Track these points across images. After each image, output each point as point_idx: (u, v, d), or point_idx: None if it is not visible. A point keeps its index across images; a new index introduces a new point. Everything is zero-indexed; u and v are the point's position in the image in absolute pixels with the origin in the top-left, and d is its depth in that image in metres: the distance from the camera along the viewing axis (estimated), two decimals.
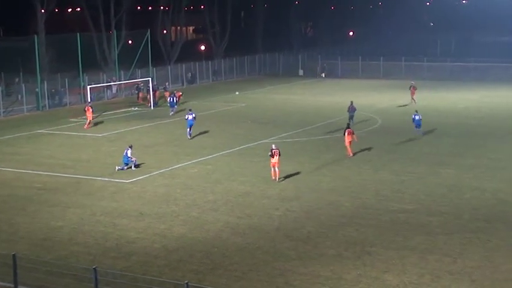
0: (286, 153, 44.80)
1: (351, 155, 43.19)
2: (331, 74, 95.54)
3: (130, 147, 41.73)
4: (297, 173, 39.57)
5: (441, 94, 71.92)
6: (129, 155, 41.27)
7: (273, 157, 37.62)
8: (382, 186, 36.41)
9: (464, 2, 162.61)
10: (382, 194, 34.80)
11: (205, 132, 53.22)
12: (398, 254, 26.24)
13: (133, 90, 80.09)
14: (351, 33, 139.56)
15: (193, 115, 50.68)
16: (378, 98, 72.36)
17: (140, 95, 72.37)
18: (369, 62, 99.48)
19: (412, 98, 66.40)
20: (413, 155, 44.02)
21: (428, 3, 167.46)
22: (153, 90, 72.92)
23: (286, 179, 38.10)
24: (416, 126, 49.70)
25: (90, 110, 56.97)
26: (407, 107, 64.16)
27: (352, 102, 55.79)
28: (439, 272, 24.42)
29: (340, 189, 36.00)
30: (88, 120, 56.73)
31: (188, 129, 50.41)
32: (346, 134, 43.51)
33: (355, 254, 26.43)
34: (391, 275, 24.28)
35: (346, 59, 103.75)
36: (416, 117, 49.60)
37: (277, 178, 37.66)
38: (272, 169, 37.93)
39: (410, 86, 68.15)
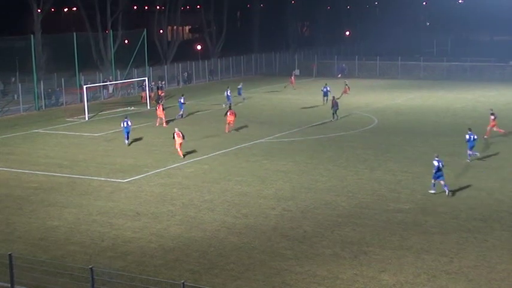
0: (282, 152, 44.87)
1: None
2: (326, 73, 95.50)
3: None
4: (293, 173, 39.59)
5: (437, 94, 72.02)
6: (182, 101, 57.15)
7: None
8: (378, 185, 36.45)
9: (460, 1, 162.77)
10: (378, 194, 34.84)
11: (201, 132, 53.19)
12: (394, 254, 26.27)
13: (129, 90, 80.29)
14: (347, 33, 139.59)
15: (129, 122, 49.25)
16: (374, 97, 72.43)
17: (143, 94, 72.23)
18: (365, 61, 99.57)
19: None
20: (410, 155, 44.06)
21: (424, 3, 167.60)
22: (157, 89, 73.32)
23: (283, 179, 38.13)
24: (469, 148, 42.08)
25: (161, 107, 58.00)
26: (396, 106, 64.18)
27: (334, 98, 58.60)
28: (435, 272, 24.45)
29: (336, 188, 36.03)
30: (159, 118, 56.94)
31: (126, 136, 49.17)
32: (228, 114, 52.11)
33: (351, 253, 26.45)
34: (387, 274, 24.31)
35: (343, 58, 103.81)
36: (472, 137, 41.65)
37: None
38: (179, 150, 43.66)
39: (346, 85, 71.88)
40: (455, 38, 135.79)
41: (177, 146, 43.83)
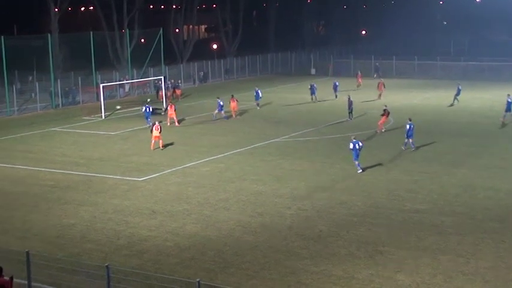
0: (298, 151, 44.80)
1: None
2: (343, 73, 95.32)
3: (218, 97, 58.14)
4: (309, 172, 39.54)
5: (454, 93, 71.40)
6: (221, 103, 57.46)
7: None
8: (394, 185, 36.32)
9: (477, 0, 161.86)
10: (394, 194, 34.71)
11: (217, 130, 53.24)
12: (410, 254, 26.16)
13: (145, 89, 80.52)
14: (364, 32, 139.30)
15: (150, 108, 56.65)
16: (391, 97, 72.13)
17: (160, 93, 72.37)
18: (381, 61, 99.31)
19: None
20: (426, 155, 43.89)
21: (441, 2, 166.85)
22: (173, 88, 73.58)
23: (298, 178, 38.10)
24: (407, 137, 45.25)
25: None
26: (413, 105, 64.00)
27: (349, 97, 58.57)
28: (451, 273, 24.32)
29: (352, 188, 35.94)
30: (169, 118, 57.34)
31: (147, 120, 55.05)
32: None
33: (367, 253, 26.36)
34: (403, 274, 24.20)
35: (359, 58, 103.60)
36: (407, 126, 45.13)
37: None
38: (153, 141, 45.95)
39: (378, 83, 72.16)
40: (473, 37, 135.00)
41: (153, 139, 46.25)
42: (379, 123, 51.86)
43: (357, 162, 39.12)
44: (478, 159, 42.26)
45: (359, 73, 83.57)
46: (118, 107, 64.75)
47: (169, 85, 76.35)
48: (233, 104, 60.30)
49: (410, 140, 45.07)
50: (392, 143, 46.99)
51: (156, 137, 46.21)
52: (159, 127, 46.56)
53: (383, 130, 51.71)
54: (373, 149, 45.39)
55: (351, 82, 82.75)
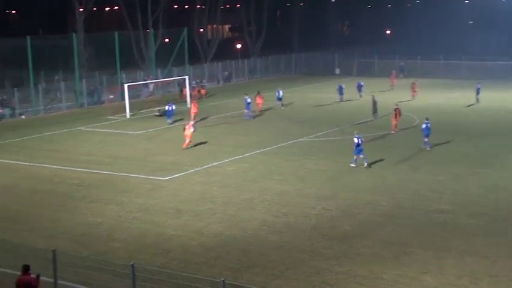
0: (322, 151, 44.75)
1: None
2: (367, 73, 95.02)
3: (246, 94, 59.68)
4: (334, 172, 39.49)
5: (480, 93, 70.96)
6: (248, 101, 58.18)
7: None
8: (419, 186, 36.17)
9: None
10: (419, 194, 34.56)
11: (241, 130, 53.32)
12: (436, 255, 26.04)
13: (170, 89, 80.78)
14: (388, 32, 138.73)
15: (174, 107, 58.49)
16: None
17: (184, 92, 72.65)
18: (406, 60, 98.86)
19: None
20: (452, 155, 43.67)
21: (467, 1, 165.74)
22: (198, 88, 73.94)
23: (323, 178, 38.07)
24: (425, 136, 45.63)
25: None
26: (438, 105, 63.72)
27: (374, 96, 58.38)
28: (477, 274, 24.17)
29: (377, 188, 35.84)
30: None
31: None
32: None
33: (392, 254, 26.28)
34: (429, 275, 24.09)
35: (383, 57, 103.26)
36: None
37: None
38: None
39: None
40: (499, 36, 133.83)
41: (186, 137, 46.77)
42: (392, 123, 51.71)
43: (362, 156, 40.16)
44: (502, 160, 41.99)
45: (393, 73, 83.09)
46: (156, 113, 63.45)
47: (194, 84, 76.62)
48: (259, 100, 62.71)
49: (426, 139, 45.23)
50: (416, 143, 46.74)
51: (187, 135, 46.62)
52: (192, 126, 47.17)
53: (397, 130, 51.42)
54: (398, 149, 45.27)
55: (375, 82, 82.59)
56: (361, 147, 40.04)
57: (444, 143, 47.27)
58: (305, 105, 68.32)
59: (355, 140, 40.13)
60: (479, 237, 28.03)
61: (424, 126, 45.58)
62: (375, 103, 57.63)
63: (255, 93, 64.37)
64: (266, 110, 63.57)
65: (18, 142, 51.17)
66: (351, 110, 63.77)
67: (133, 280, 20.64)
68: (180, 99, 71.67)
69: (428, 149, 44.95)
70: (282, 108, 64.87)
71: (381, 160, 42.24)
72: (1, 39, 75.43)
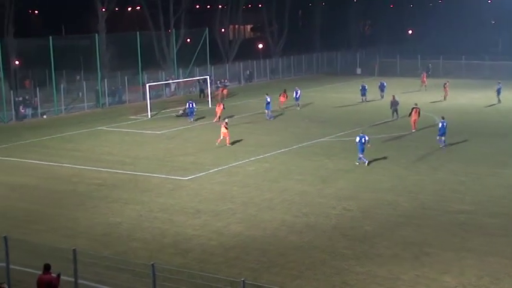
0: (343, 151, 44.66)
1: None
2: (388, 73, 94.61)
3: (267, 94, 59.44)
4: (354, 172, 39.39)
5: (503, 93, 70.54)
6: (268, 99, 58.32)
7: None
8: (440, 186, 35.99)
9: None
10: (440, 195, 34.39)
11: (262, 130, 53.31)
12: (456, 255, 25.90)
13: (191, 89, 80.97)
14: (410, 32, 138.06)
15: (194, 104, 59.27)
16: (438, 96, 71.47)
17: (206, 91, 72.90)
18: (428, 60, 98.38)
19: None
20: (473, 155, 43.42)
21: (489, 1, 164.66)
22: (221, 88, 74.12)
23: (343, 178, 37.98)
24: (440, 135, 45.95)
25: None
26: (460, 105, 63.35)
27: (394, 96, 58.01)
28: (498, 274, 24.02)
29: (397, 188, 35.70)
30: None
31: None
32: None
33: (412, 254, 26.17)
34: (449, 276, 23.97)
35: (405, 57, 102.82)
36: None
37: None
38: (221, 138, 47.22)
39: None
40: None
41: (221, 135, 47.31)
42: (411, 121, 51.61)
43: (361, 155, 40.78)
44: None
45: (424, 73, 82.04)
46: (181, 112, 63.15)
47: (219, 85, 76.81)
48: (283, 99, 64.51)
49: (443, 138, 45.39)
50: (436, 143, 46.50)
51: (224, 133, 47.17)
52: (227, 124, 47.82)
53: (417, 128, 51.30)
54: (418, 149, 45.11)
55: (396, 82, 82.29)
56: (364, 146, 40.74)
57: (465, 143, 47.03)
58: (326, 105, 68.19)
59: (357, 139, 40.92)
60: (500, 238, 27.86)
61: (440, 125, 45.65)
62: (395, 103, 57.19)
63: (278, 92, 64.62)
64: (287, 109, 63.51)
65: (39, 142, 51.49)
66: (372, 110, 63.55)
67: (153, 280, 20.65)
68: (201, 99, 71.76)
69: (442, 147, 45.02)
70: (298, 108, 64.63)
71: (401, 160, 42.10)
72: (23, 39, 75.88)
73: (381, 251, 26.58)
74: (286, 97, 64.27)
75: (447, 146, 45.36)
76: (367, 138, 41.00)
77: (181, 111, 62.06)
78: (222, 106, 57.82)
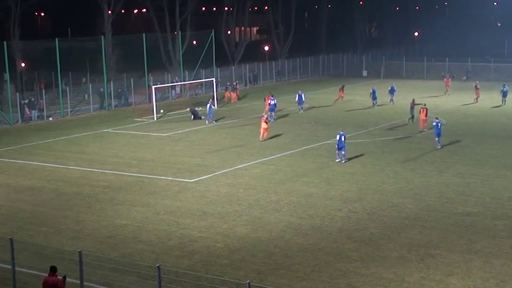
0: (349, 154, 44.61)
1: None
2: (394, 75, 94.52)
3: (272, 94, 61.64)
4: (360, 174, 39.37)
5: (509, 95, 70.48)
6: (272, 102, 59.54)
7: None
8: (446, 188, 35.96)
9: None
10: (446, 197, 34.36)
11: (268, 132, 53.31)
12: (462, 257, 25.88)
13: (197, 91, 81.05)
14: (416, 34, 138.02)
15: (213, 106, 60.07)
16: (444, 98, 71.36)
17: (226, 94, 75.12)
18: (434, 62, 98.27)
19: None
20: (479, 157, 43.37)
21: (495, 3, 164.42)
22: (232, 90, 74.46)
23: (349, 180, 37.97)
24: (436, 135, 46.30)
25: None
26: (465, 107, 63.24)
27: (413, 100, 57.18)
28: (504, 277, 23.99)
29: (403, 191, 35.68)
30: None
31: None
32: None
33: (418, 256, 26.16)
34: (455, 278, 23.95)
35: (411, 59, 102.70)
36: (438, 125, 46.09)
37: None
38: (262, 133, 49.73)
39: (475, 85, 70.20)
40: None
41: (262, 130, 49.97)
42: (420, 120, 52.12)
43: (343, 153, 42.52)
44: None
45: (448, 76, 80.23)
46: (161, 111, 64.90)
47: (229, 86, 76.94)
48: (341, 94, 70.34)
49: (437, 139, 45.80)
50: (444, 145, 46.47)
51: (264, 128, 49.83)
52: (266, 120, 50.82)
53: (426, 126, 51.33)
54: (424, 151, 45.06)
55: (402, 85, 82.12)
56: (343, 143, 42.35)
57: (471, 145, 46.96)
58: (332, 107, 68.12)
59: (337, 137, 42.44)
60: (506, 240, 27.81)
61: (434, 124, 46.40)
62: (414, 107, 56.20)
63: (285, 94, 64.80)
64: (292, 112, 63.51)
65: (45, 144, 51.53)
66: (378, 113, 63.50)
67: (159, 282, 20.67)
68: (226, 100, 73.78)
69: (438, 147, 45.39)
70: (300, 112, 64.11)
71: (407, 162, 42.06)
72: (29, 41, 76.06)
73: (387, 253, 26.57)
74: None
75: (442, 147, 45.67)
76: (346, 136, 43.03)
77: (192, 116, 61.87)
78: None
